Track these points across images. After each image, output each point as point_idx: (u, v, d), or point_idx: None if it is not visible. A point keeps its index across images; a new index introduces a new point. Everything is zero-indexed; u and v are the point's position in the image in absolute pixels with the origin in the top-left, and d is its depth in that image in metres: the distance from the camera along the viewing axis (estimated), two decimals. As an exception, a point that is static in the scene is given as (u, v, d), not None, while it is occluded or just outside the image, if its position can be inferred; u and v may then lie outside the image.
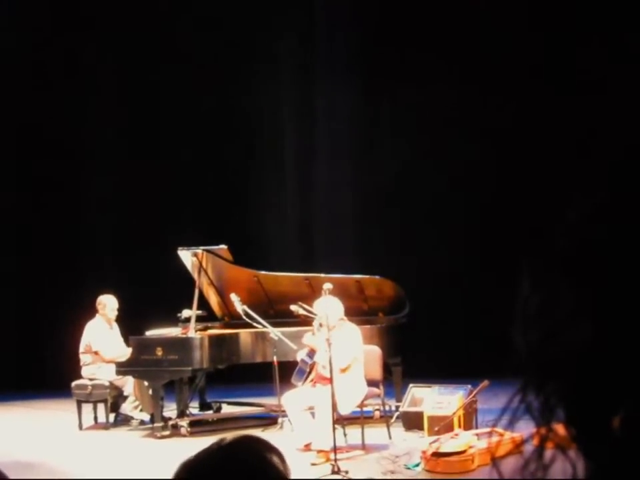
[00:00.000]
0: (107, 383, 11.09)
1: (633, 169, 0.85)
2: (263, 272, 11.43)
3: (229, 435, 1.79)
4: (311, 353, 9.48)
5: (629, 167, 0.86)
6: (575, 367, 0.84)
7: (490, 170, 13.87)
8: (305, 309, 9.85)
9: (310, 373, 9.53)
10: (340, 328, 9.28)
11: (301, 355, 9.62)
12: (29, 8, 15.02)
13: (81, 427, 11.16)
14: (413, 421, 10.08)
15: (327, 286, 9.38)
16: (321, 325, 9.38)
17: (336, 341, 8.84)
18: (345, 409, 9.30)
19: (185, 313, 10.91)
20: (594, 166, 0.87)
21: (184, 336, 10.74)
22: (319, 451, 9.04)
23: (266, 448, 1.77)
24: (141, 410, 11.21)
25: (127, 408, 11.33)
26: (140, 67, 15.09)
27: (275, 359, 10.35)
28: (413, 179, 14.31)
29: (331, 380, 8.73)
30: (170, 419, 10.66)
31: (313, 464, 8.93)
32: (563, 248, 0.86)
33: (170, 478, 1.73)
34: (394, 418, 10.49)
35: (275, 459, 1.75)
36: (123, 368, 10.73)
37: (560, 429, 0.86)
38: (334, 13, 15.12)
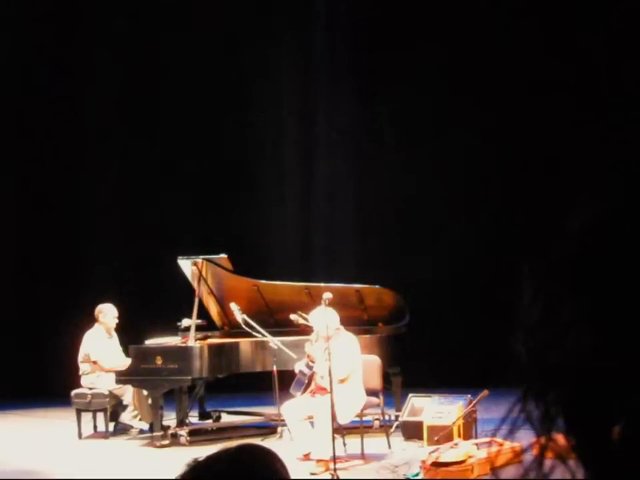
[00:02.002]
0: (107, 392, 11.08)
1: (633, 178, 0.86)
2: (263, 281, 11.42)
3: (234, 442, 1.81)
4: (309, 364, 9.48)
5: (631, 177, 0.86)
6: (575, 376, 0.84)
7: (491, 179, 13.88)
8: (304, 318, 9.84)
9: (309, 384, 9.52)
10: (337, 338, 9.27)
11: (299, 366, 9.61)
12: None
13: (80, 436, 11.14)
14: (412, 431, 10.07)
15: (327, 295, 9.35)
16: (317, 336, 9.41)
17: (334, 351, 8.83)
18: (344, 419, 9.28)
19: (185, 322, 10.90)
20: (596, 175, 0.87)
21: (183, 345, 10.73)
22: (319, 461, 9.03)
23: (270, 456, 1.79)
24: (140, 419, 11.19)
25: (126, 417, 11.31)
26: (140, 70, 15.09)
27: (274, 368, 10.34)
28: (413, 188, 14.31)
29: (330, 390, 8.72)
30: (169, 428, 10.64)
31: (313, 473, 8.92)
32: (564, 256, 0.86)
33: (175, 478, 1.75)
34: (393, 427, 10.48)
35: (279, 468, 1.77)
36: (123, 377, 10.72)
37: (560, 438, 0.86)
38: (335, 18, 15.14)
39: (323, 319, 9.20)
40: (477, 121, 13.88)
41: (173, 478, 1.74)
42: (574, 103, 12.40)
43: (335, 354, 8.81)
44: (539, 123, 13.07)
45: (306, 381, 9.49)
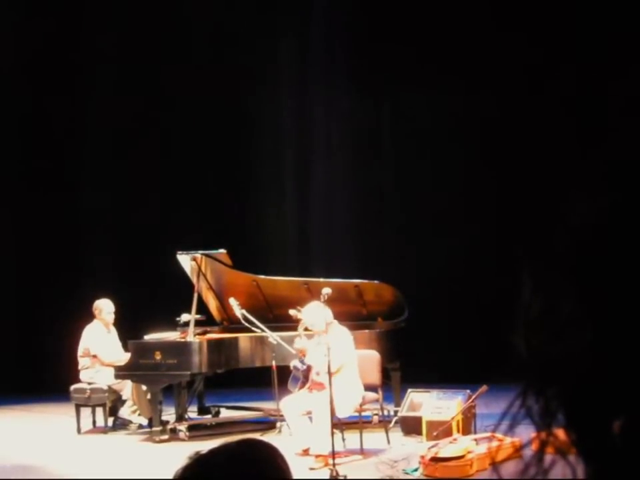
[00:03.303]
0: (106, 387, 11.08)
1: (633, 172, 0.85)
2: (262, 276, 11.42)
3: (236, 437, 1.82)
4: (302, 359, 9.50)
5: (629, 171, 0.86)
6: (575, 371, 0.84)
7: (490, 173, 13.87)
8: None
9: (305, 379, 9.52)
10: (329, 331, 9.25)
11: (293, 363, 9.64)
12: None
13: (79, 431, 11.14)
14: (411, 426, 10.07)
15: (326, 290, 9.36)
16: (305, 329, 9.46)
17: (326, 345, 8.83)
18: (343, 413, 9.29)
19: (184, 317, 10.90)
20: (594, 169, 0.87)
21: (183, 340, 10.73)
22: (318, 456, 9.03)
23: (271, 450, 1.79)
24: (139, 414, 11.20)
25: (125, 412, 11.32)
26: (140, 69, 15.08)
27: (273, 363, 10.35)
28: (411, 183, 14.32)
29: (328, 384, 8.72)
30: (168, 423, 10.65)
31: (312, 468, 8.92)
32: (563, 251, 0.86)
33: (174, 477, 1.75)
34: (392, 423, 10.48)
35: (280, 463, 1.77)
36: (122, 372, 10.72)
37: (560, 433, 0.86)
38: (333, 15, 15.13)
39: (314, 313, 9.26)
40: (477, 117, 13.87)
41: (174, 473, 1.75)
42: (574, 102, 12.39)
43: (326, 348, 8.80)
44: (539, 116, 13.06)
45: (301, 376, 9.51)
